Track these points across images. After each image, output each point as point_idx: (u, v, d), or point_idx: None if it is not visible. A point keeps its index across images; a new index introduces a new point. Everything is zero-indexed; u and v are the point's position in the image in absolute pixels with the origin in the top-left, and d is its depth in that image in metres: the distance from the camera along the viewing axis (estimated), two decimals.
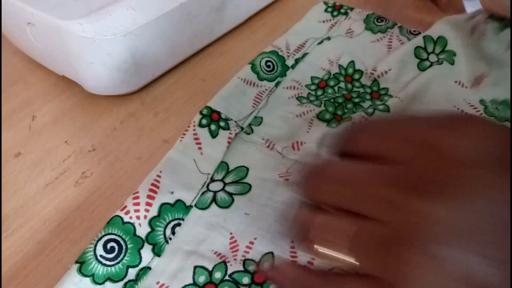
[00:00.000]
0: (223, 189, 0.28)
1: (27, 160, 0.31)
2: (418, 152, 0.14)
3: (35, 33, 0.32)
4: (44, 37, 0.32)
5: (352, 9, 0.44)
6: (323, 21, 0.43)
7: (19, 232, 0.27)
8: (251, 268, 0.24)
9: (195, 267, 0.24)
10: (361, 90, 0.36)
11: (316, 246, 0.15)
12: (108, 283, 0.23)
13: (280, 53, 0.37)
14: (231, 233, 0.25)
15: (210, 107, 0.31)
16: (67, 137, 0.33)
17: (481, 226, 0.13)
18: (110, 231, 0.24)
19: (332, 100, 0.34)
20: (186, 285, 0.23)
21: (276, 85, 0.35)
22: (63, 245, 0.26)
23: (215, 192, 0.27)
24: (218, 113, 0.31)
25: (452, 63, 0.35)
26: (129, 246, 0.24)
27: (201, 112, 0.31)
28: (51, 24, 0.30)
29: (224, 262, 0.24)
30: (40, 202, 0.28)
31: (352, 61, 0.37)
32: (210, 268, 0.24)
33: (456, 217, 0.13)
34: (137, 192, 0.25)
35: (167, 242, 0.25)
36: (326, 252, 0.15)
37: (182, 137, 0.29)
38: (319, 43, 0.40)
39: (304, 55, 0.38)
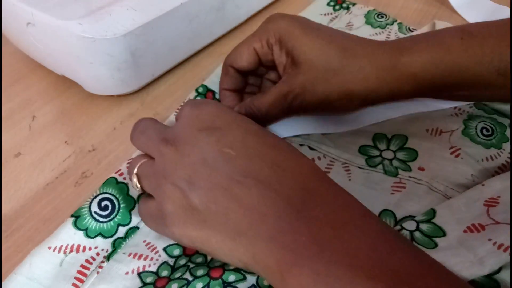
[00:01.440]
0: None
1: (27, 160, 0.31)
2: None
3: (35, 33, 0.32)
4: (44, 37, 0.32)
5: (354, 4, 0.45)
6: (324, 14, 0.44)
7: (19, 232, 0.27)
8: None
9: None
10: None
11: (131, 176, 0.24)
12: (99, 238, 0.24)
13: None
14: None
15: (206, 86, 0.32)
16: (67, 137, 0.33)
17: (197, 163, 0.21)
18: (105, 190, 0.26)
19: None
20: (170, 245, 0.25)
21: None
22: None
23: None
24: (213, 92, 0.32)
25: None
26: (121, 206, 0.26)
27: (196, 90, 0.32)
28: (51, 24, 0.30)
29: None
30: (40, 202, 0.28)
31: None
32: None
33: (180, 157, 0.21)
34: (132, 158, 0.27)
35: None
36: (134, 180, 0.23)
37: (176, 113, 0.30)
38: None
39: None
